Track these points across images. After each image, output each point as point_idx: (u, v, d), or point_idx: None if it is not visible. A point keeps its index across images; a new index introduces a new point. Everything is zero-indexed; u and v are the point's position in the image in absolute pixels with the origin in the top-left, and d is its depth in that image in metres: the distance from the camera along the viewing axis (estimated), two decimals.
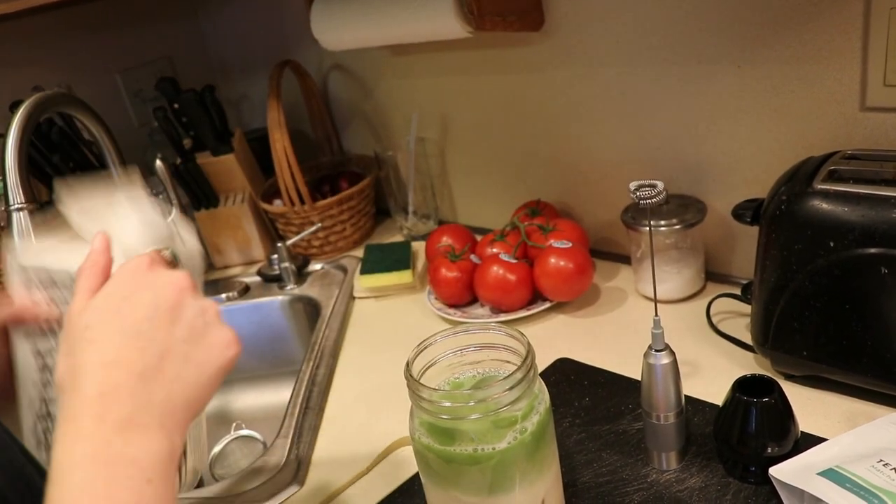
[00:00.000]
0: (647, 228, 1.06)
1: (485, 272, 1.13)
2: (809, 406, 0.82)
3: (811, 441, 0.74)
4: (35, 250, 0.61)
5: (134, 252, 0.55)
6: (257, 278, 1.45)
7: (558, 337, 1.07)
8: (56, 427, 0.45)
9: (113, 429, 0.44)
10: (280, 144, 1.40)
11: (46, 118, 1.46)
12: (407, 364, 0.66)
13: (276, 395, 1.34)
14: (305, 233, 1.42)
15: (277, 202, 1.49)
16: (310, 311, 1.35)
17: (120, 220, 0.58)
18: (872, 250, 0.74)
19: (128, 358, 0.47)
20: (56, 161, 1.47)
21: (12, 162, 1.08)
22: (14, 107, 1.13)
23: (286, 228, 1.51)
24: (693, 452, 0.79)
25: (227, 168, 1.50)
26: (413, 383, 0.64)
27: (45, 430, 0.65)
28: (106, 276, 0.53)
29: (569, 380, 0.96)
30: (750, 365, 0.92)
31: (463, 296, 1.17)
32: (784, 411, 0.72)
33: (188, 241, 0.62)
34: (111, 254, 0.55)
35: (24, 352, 0.64)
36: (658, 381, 0.74)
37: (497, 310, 1.15)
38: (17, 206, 1.09)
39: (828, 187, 0.79)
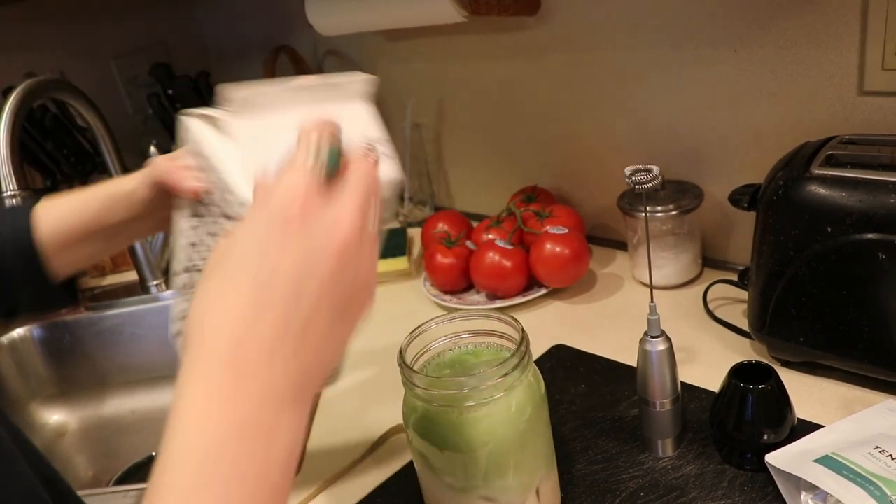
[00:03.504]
0: (644, 214, 1.05)
1: (480, 258, 1.13)
2: (806, 393, 0.82)
3: (807, 428, 0.73)
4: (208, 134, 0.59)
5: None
6: None
7: (554, 323, 1.07)
8: (180, 374, 0.40)
9: (249, 396, 0.40)
10: None
11: (40, 104, 1.46)
12: (400, 351, 0.65)
13: None
14: None
15: None
16: None
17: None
18: (870, 236, 0.74)
19: (268, 323, 0.41)
20: (49, 148, 1.47)
21: (5, 148, 1.08)
22: (7, 93, 1.12)
23: None
24: (689, 439, 0.79)
25: None
26: (406, 370, 0.63)
27: (183, 285, 0.66)
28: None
29: (564, 367, 0.95)
30: (746, 351, 0.92)
31: (459, 282, 1.17)
32: (780, 398, 0.72)
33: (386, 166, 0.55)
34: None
35: (179, 218, 0.64)
36: (654, 367, 0.74)
37: (493, 296, 1.14)
38: (9, 193, 1.09)
39: (825, 172, 0.79)
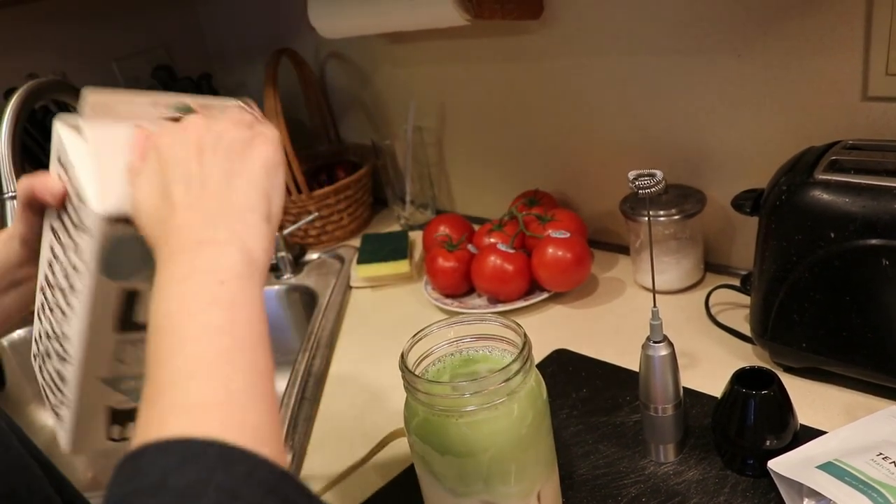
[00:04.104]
0: (646, 218, 1.05)
1: (482, 262, 1.12)
2: (808, 399, 0.82)
3: (810, 434, 0.73)
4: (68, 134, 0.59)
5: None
6: None
7: (556, 328, 1.07)
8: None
9: (180, 253, 0.47)
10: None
11: (41, 106, 1.46)
12: (402, 355, 0.65)
13: None
14: (302, 222, 1.41)
15: None
16: (306, 300, 1.34)
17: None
18: (873, 241, 0.74)
19: (176, 197, 0.50)
20: (50, 149, 1.46)
21: (6, 149, 1.08)
22: (8, 94, 1.12)
23: (283, 217, 1.50)
24: (691, 445, 0.78)
25: None
26: (408, 374, 0.63)
27: (41, 304, 0.64)
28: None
29: (566, 371, 0.95)
30: (749, 357, 0.92)
31: (460, 286, 1.17)
32: (783, 404, 0.72)
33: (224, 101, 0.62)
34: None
35: (45, 226, 0.63)
36: (656, 372, 0.73)
37: (494, 300, 1.14)
38: (10, 194, 1.09)
39: (829, 177, 0.78)
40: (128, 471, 0.37)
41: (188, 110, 0.58)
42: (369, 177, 1.54)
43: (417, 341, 0.68)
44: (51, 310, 0.62)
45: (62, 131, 0.59)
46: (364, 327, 1.19)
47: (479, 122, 1.37)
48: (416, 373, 0.65)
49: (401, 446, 0.87)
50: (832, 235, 0.76)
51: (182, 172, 0.51)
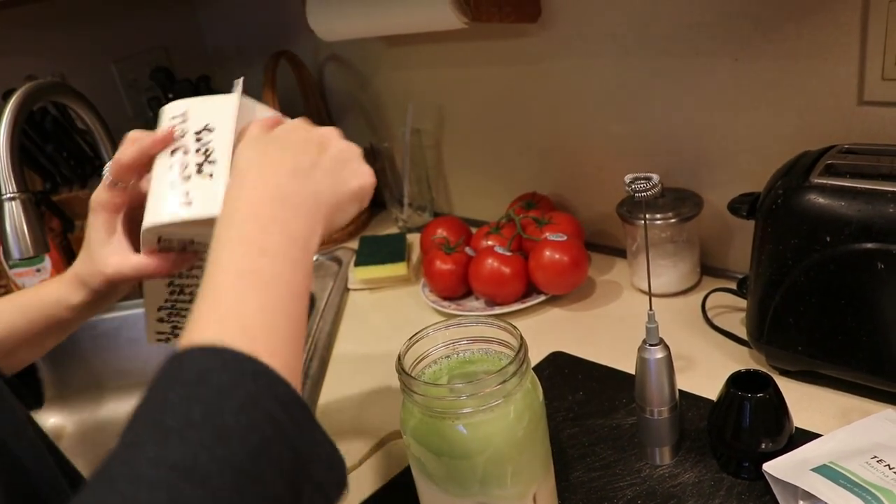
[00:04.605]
0: (643, 222, 1.06)
1: (479, 265, 1.13)
2: (804, 402, 0.82)
3: (805, 437, 0.73)
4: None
5: None
6: None
7: (552, 330, 1.07)
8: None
9: (271, 201, 0.54)
10: None
11: (40, 107, 1.46)
12: (398, 357, 0.65)
13: None
14: None
15: None
16: None
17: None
18: (869, 245, 0.74)
19: (283, 162, 0.57)
20: (49, 150, 1.46)
21: (5, 151, 1.08)
22: (7, 95, 1.12)
23: None
24: (687, 447, 0.79)
25: None
26: (404, 377, 0.63)
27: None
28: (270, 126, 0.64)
29: (562, 374, 0.95)
30: (745, 360, 0.92)
31: (457, 288, 1.17)
32: (778, 407, 0.72)
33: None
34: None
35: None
36: (652, 375, 0.74)
37: (491, 302, 1.14)
38: (9, 195, 1.09)
39: (824, 182, 0.79)
40: (174, 366, 0.43)
41: None
42: None
43: (414, 343, 0.68)
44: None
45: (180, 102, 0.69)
46: (361, 329, 1.19)
47: (477, 125, 1.37)
48: (413, 375, 0.65)
49: (397, 448, 0.87)
50: (828, 239, 0.77)
51: (301, 152, 0.59)
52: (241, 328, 0.46)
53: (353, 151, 0.64)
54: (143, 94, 1.69)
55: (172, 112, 0.68)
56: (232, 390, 0.41)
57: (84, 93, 1.24)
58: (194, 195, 0.63)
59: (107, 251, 0.69)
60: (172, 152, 0.66)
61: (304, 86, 1.60)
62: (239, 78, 0.69)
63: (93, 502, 0.37)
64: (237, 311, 0.47)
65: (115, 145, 1.29)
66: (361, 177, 0.63)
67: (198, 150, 0.65)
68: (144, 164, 0.67)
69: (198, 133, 0.66)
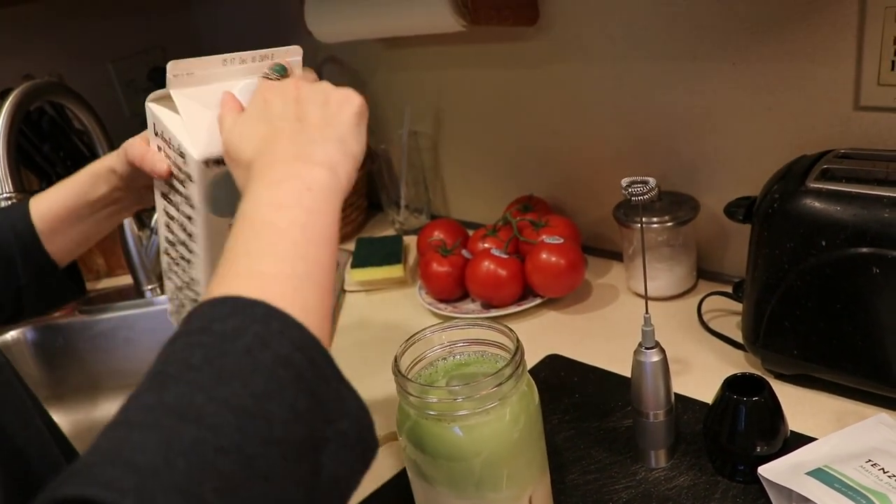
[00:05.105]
0: (639, 225, 1.05)
1: (476, 267, 1.13)
2: (799, 405, 0.82)
3: (800, 440, 0.73)
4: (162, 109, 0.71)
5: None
6: None
7: (549, 333, 1.07)
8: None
9: (279, 164, 0.55)
10: None
11: (37, 107, 1.46)
12: (395, 359, 0.65)
13: None
14: None
15: None
16: None
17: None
18: (864, 250, 0.74)
19: (280, 128, 0.59)
20: (46, 150, 1.46)
21: (2, 151, 1.08)
22: (4, 95, 1.12)
23: None
24: (682, 451, 0.79)
25: None
26: (400, 379, 0.63)
27: (167, 265, 0.78)
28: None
29: (558, 376, 0.95)
30: (740, 363, 0.92)
31: (454, 291, 1.17)
32: (774, 410, 0.72)
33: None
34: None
35: (157, 198, 0.75)
36: (648, 378, 0.74)
37: (488, 305, 1.14)
38: (5, 195, 1.09)
39: (820, 186, 0.79)
40: (184, 321, 0.43)
41: (283, 71, 0.68)
42: (364, 181, 1.55)
43: (410, 345, 0.68)
44: (177, 264, 0.76)
45: (152, 107, 0.71)
46: (357, 331, 1.19)
47: (475, 128, 1.37)
48: (410, 377, 0.65)
49: (393, 450, 0.87)
50: (823, 243, 0.77)
51: (283, 113, 0.60)
52: (255, 278, 0.46)
53: (325, 88, 0.64)
54: (141, 94, 1.68)
55: (154, 120, 0.72)
56: (237, 334, 0.41)
57: (81, 93, 1.24)
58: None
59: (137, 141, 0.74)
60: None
61: None
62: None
63: (89, 453, 0.36)
64: (254, 262, 0.47)
65: (112, 145, 1.29)
66: (352, 97, 0.63)
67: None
68: None
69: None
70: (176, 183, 0.71)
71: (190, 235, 0.72)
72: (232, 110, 0.65)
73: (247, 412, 0.38)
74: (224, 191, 0.69)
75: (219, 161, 0.67)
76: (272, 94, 0.63)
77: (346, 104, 0.62)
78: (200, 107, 0.68)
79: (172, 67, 0.68)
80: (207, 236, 0.71)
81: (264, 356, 0.40)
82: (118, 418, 0.38)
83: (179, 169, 0.69)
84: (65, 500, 0.33)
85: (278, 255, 0.48)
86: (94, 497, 0.33)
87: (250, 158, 0.58)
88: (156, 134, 0.71)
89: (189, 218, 0.71)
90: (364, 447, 0.45)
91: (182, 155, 0.68)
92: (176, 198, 0.72)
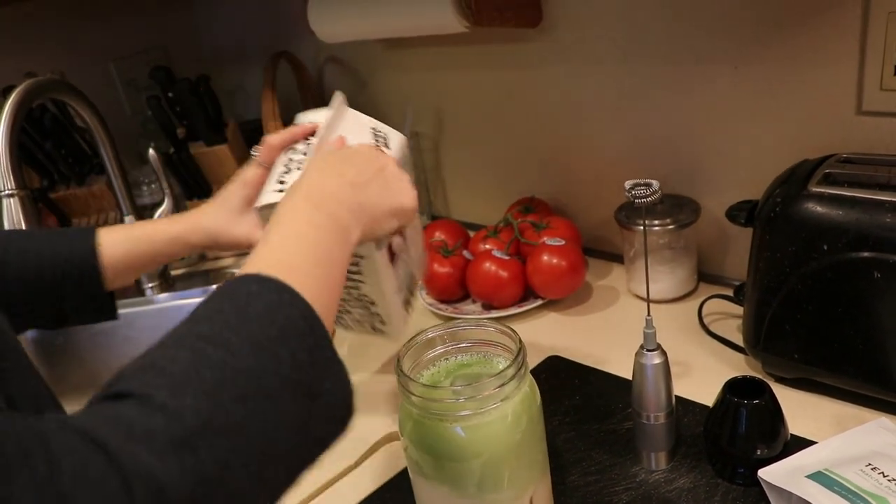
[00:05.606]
0: (641, 228, 1.06)
1: (477, 268, 1.13)
2: (799, 409, 0.82)
3: (800, 444, 0.74)
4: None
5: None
6: None
7: (549, 335, 1.07)
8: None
9: (313, 203, 0.60)
10: None
11: (39, 104, 1.46)
12: (397, 359, 0.66)
13: None
14: None
15: None
16: None
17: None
18: (865, 254, 0.74)
19: (346, 173, 0.65)
20: (48, 148, 1.46)
21: (4, 147, 1.08)
22: (7, 92, 1.12)
23: None
24: (683, 453, 0.79)
25: (220, 158, 1.49)
26: (403, 379, 0.63)
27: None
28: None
29: (559, 378, 0.96)
30: (741, 366, 0.92)
31: (455, 291, 1.17)
32: (774, 413, 0.72)
33: (394, 136, 0.88)
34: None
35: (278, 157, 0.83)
36: (649, 380, 0.74)
37: (489, 306, 1.14)
38: (7, 192, 1.09)
39: (822, 190, 0.79)
40: (217, 288, 0.50)
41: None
42: None
43: (413, 346, 0.69)
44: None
45: (310, 116, 0.84)
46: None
47: (476, 129, 1.37)
48: (412, 377, 0.65)
49: (394, 450, 0.87)
50: (825, 247, 0.77)
51: (361, 169, 0.67)
52: (278, 265, 0.53)
53: (405, 177, 0.72)
54: (142, 93, 1.69)
55: (308, 118, 0.83)
56: (257, 296, 0.49)
57: (83, 90, 1.24)
58: (286, 186, 0.76)
59: (241, 219, 0.83)
60: (290, 150, 0.81)
61: (304, 87, 1.60)
62: (337, 92, 0.86)
63: (129, 365, 0.44)
64: (278, 258, 0.54)
65: (113, 143, 1.29)
66: (406, 196, 0.71)
67: (303, 152, 0.79)
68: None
69: (306, 139, 0.81)
70: (300, 149, 0.81)
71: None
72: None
73: (262, 348, 0.46)
74: None
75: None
76: (360, 152, 0.71)
77: (405, 195, 0.71)
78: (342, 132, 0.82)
79: (340, 97, 0.85)
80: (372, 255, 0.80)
81: (278, 316, 0.48)
82: (157, 343, 0.45)
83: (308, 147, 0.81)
84: (107, 397, 0.41)
85: (307, 260, 0.56)
86: (134, 390, 0.41)
87: (311, 172, 0.66)
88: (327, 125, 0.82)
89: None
90: (345, 412, 0.54)
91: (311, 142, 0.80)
92: (297, 159, 0.81)
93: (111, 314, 0.85)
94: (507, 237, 1.19)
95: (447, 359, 0.71)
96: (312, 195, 0.62)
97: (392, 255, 0.84)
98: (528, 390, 0.65)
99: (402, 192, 0.71)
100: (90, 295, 0.81)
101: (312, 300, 0.51)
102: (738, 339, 0.93)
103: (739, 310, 0.93)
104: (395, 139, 0.88)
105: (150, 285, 1.38)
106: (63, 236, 0.82)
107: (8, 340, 0.62)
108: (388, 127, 0.89)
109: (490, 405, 0.61)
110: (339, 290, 0.59)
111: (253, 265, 0.53)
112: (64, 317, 0.82)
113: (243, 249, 0.81)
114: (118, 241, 0.82)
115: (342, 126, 0.83)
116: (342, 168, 0.67)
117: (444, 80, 1.38)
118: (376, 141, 0.85)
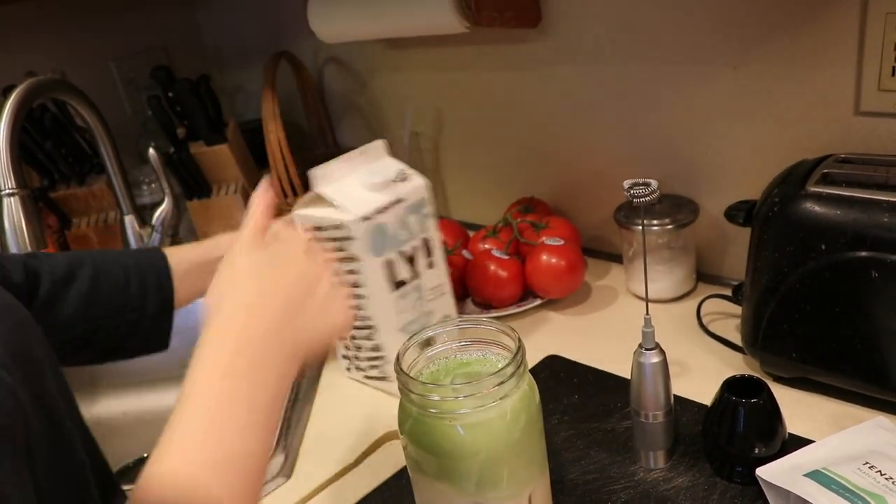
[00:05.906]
0: (640, 227, 1.06)
1: (476, 268, 1.13)
2: (797, 408, 0.83)
3: (798, 442, 0.74)
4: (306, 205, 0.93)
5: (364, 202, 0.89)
6: None
7: (548, 334, 1.07)
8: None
9: (244, 362, 0.56)
10: (274, 136, 1.39)
11: (39, 104, 1.46)
12: (397, 357, 0.66)
13: None
14: None
15: None
16: None
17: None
18: (863, 254, 0.75)
19: (269, 307, 0.60)
20: (48, 147, 1.46)
21: (4, 147, 1.08)
22: (7, 91, 1.13)
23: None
24: (681, 452, 0.79)
25: (220, 158, 1.49)
26: (402, 377, 0.64)
27: None
28: (265, 229, 0.70)
29: (558, 377, 0.96)
30: (739, 366, 0.93)
31: (454, 291, 1.17)
32: (772, 412, 0.73)
33: (414, 180, 0.95)
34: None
35: None
36: (647, 379, 0.74)
37: (488, 305, 1.15)
38: (8, 191, 1.09)
39: (820, 190, 0.79)
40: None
41: None
42: None
43: (412, 344, 0.69)
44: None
45: (302, 213, 0.92)
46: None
47: (476, 129, 1.38)
48: (411, 375, 0.65)
49: (394, 448, 0.88)
50: (823, 247, 0.77)
51: (294, 287, 0.63)
52: (196, 459, 0.50)
53: (340, 292, 0.67)
54: (143, 93, 1.69)
55: (307, 212, 0.92)
56: None
57: (83, 90, 1.24)
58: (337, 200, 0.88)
59: None
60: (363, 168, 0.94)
61: (304, 87, 1.60)
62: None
63: None
64: (191, 440, 0.51)
65: (113, 143, 1.30)
66: (342, 315, 0.67)
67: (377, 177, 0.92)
68: None
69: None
70: (339, 251, 0.89)
71: (357, 284, 0.89)
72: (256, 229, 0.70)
73: None
74: (379, 236, 0.89)
75: (374, 213, 0.88)
76: (296, 254, 0.67)
77: (341, 314, 0.67)
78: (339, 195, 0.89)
79: (316, 172, 0.89)
80: (372, 274, 0.89)
81: None
82: None
83: (339, 239, 0.88)
84: None
85: (223, 433, 0.53)
86: None
87: (240, 290, 0.62)
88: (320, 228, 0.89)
89: (354, 270, 0.89)
90: None
91: (340, 227, 0.87)
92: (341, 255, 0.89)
93: (165, 345, 0.87)
94: (507, 237, 1.19)
95: (447, 357, 0.71)
96: (240, 335, 0.58)
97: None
98: (527, 389, 0.65)
99: (341, 308, 0.67)
100: (163, 302, 0.83)
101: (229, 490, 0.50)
102: (737, 339, 0.94)
103: (738, 309, 0.94)
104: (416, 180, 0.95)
105: None
106: (132, 256, 0.85)
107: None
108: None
109: (489, 403, 0.61)
110: (274, 423, 0.58)
111: (162, 459, 0.50)
112: (120, 345, 0.84)
113: None
114: (191, 276, 0.85)
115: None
116: (271, 286, 0.62)
117: (444, 80, 1.38)
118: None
